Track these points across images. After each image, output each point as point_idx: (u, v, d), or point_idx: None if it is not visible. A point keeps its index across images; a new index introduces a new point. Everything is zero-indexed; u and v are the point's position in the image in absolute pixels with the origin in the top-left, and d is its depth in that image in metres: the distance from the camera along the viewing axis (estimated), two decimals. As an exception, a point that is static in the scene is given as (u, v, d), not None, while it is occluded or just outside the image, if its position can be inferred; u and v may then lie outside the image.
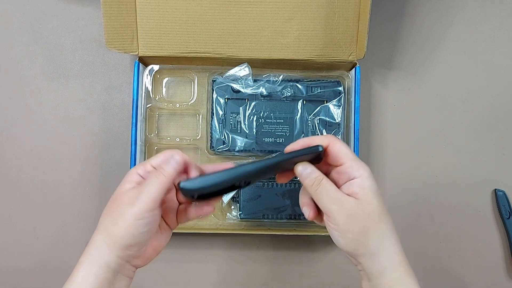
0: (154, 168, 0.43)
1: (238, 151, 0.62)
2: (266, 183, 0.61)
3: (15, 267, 0.65)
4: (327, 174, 0.43)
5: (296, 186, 0.61)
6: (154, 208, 0.40)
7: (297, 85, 0.63)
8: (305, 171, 0.42)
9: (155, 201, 0.40)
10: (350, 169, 0.41)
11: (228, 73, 0.62)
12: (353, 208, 0.40)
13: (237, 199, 0.62)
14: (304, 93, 0.63)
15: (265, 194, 0.61)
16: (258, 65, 0.62)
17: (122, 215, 0.40)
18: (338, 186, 0.42)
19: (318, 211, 0.44)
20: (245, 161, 0.62)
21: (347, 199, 0.40)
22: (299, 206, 0.45)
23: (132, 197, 0.40)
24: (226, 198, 0.61)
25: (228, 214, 0.63)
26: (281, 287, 0.66)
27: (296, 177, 0.43)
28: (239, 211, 0.61)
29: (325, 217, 0.41)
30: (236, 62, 0.61)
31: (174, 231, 0.46)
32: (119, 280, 0.41)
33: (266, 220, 0.61)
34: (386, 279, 0.40)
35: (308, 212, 0.43)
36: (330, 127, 0.62)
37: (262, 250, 0.66)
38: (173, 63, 0.63)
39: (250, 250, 0.66)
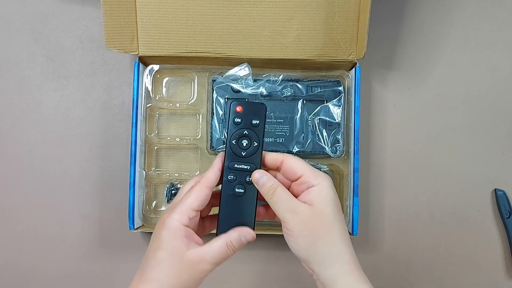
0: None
1: (238, 151, 0.62)
2: None
3: (15, 267, 0.65)
4: (288, 188, 0.44)
5: None
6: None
7: (297, 84, 0.63)
8: (261, 179, 0.43)
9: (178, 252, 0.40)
10: (309, 178, 0.42)
11: (228, 73, 0.62)
12: (306, 216, 0.41)
13: None
14: (304, 92, 0.63)
15: None
16: (258, 65, 0.62)
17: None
18: (297, 196, 0.43)
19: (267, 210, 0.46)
20: None
21: (300, 207, 0.41)
22: None
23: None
24: None
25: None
26: (281, 287, 0.66)
27: None
28: None
29: (282, 223, 0.42)
30: (236, 62, 0.61)
31: None
32: None
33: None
34: (338, 287, 0.40)
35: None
36: (330, 126, 0.62)
37: (262, 250, 0.66)
38: (173, 63, 0.63)
39: (250, 250, 0.66)
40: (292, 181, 0.44)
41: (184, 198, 0.42)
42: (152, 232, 0.44)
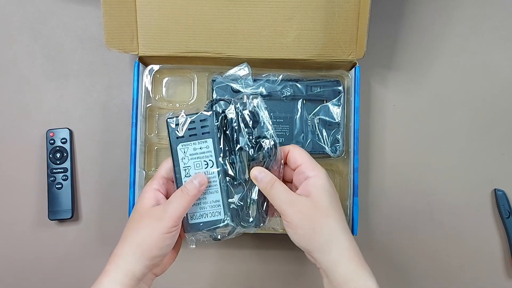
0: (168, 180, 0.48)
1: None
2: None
3: (14, 266, 0.65)
4: (291, 179, 0.48)
5: None
6: (178, 223, 0.44)
7: (297, 84, 0.62)
8: (259, 175, 0.45)
9: (180, 217, 0.44)
10: (305, 169, 0.45)
11: (228, 73, 0.62)
12: (303, 207, 0.43)
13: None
14: (304, 92, 0.63)
15: None
16: (258, 64, 0.62)
17: (151, 230, 0.43)
18: (296, 187, 0.46)
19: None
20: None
21: (298, 199, 0.44)
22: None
23: (159, 214, 0.44)
24: None
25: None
26: (280, 287, 0.66)
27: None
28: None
29: (281, 216, 0.45)
30: (236, 62, 0.61)
31: None
32: (140, 287, 0.45)
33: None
34: (339, 273, 0.42)
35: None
36: (330, 126, 0.62)
37: (262, 249, 0.66)
38: (173, 63, 0.63)
39: (250, 250, 0.66)
40: (294, 170, 0.47)
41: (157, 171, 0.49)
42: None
